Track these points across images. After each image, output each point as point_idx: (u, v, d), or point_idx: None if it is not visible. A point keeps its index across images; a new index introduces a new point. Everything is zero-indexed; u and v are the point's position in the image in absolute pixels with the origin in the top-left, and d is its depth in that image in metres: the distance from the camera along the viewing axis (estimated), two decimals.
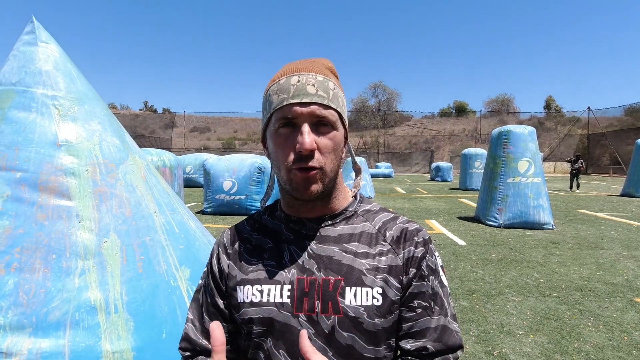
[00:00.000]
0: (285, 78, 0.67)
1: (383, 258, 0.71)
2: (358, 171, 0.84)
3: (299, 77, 0.66)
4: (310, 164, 0.65)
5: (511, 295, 3.95)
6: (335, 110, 0.68)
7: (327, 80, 0.68)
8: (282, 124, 0.67)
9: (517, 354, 2.76)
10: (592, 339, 2.98)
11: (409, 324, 0.70)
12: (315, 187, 0.67)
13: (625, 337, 3.01)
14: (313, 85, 0.66)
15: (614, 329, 3.17)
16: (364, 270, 0.69)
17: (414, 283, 0.70)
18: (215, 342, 0.57)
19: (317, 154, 0.66)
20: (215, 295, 0.77)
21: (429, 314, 0.70)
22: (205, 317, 0.77)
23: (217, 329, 0.58)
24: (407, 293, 0.70)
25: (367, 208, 0.79)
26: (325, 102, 0.66)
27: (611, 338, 3.00)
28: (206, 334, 0.76)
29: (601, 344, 2.91)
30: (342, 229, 0.74)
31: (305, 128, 0.64)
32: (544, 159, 36.96)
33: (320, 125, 0.67)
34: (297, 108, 0.65)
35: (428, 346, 0.68)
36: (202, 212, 9.59)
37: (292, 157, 0.66)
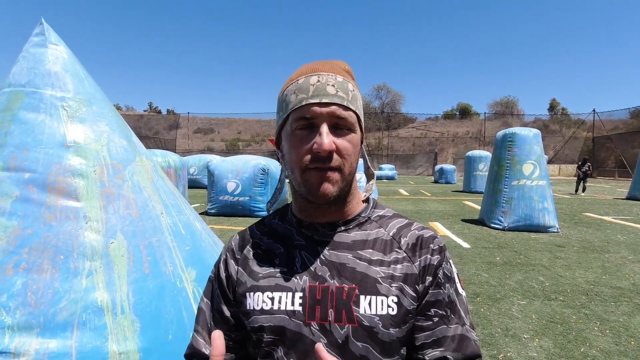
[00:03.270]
0: (304, 78, 0.65)
1: (398, 266, 0.68)
2: (371, 176, 0.82)
3: (319, 77, 0.65)
4: (329, 165, 0.63)
5: (516, 299, 3.92)
6: (354, 112, 0.67)
7: (347, 82, 0.67)
8: (300, 124, 0.65)
9: (523, 358, 2.73)
10: (598, 344, 2.95)
11: (426, 333, 0.67)
12: (331, 189, 0.64)
13: (632, 342, 2.98)
14: (333, 85, 0.64)
15: (620, 333, 3.13)
16: (379, 279, 0.67)
17: (430, 291, 0.68)
18: (215, 352, 0.55)
19: (335, 156, 0.64)
20: (222, 302, 0.75)
21: (445, 322, 0.68)
22: (213, 325, 0.75)
23: (218, 338, 0.56)
24: (423, 302, 0.68)
25: (380, 213, 0.77)
26: (345, 103, 0.64)
27: (618, 343, 2.97)
28: None
29: (608, 348, 2.88)
30: (355, 235, 0.72)
31: (324, 128, 0.63)
32: (549, 162, 36.75)
33: (339, 127, 0.65)
34: (317, 108, 0.63)
35: (447, 356, 0.66)
36: (206, 213, 9.61)
37: (308, 157, 0.64)
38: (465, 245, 6.44)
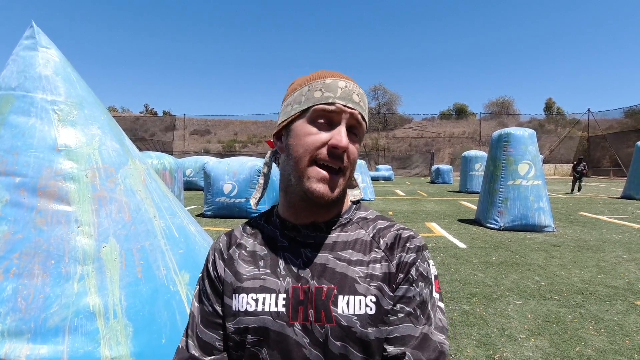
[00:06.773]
0: (332, 79, 0.69)
1: (377, 265, 0.69)
2: (355, 186, 0.84)
3: (346, 83, 0.69)
4: (340, 165, 0.67)
5: (512, 299, 3.93)
6: (366, 125, 0.72)
7: (365, 96, 0.73)
8: (320, 115, 0.68)
9: (519, 358, 2.74)
10: (593, 343, 2.97)
11: (390, 328, 0.66)
12: (330, 193, 0.67)
13: (627, 341, 3.00)
14: (357, 94, 0.70)
15: (615, 332, 3.15)
16: (357, 279, 0.68)
17: (400, 286, 0.68)
18: None
19: (345, 157, 0.68)
20: (214, 302, 0.75)
21: (412, 320, 0.66)
22: (203, 329, 0.74)
23: None
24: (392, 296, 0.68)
25: (363, 215, 0.78)
26: (363, 114, 0.70)
27: (613, 342, 2.99)
28: (204, 348, 0.73)
29: (603, 347, 2.90)
30: (337, 236, 0.74)
31: (344, 128, 0.67)
32: (544, 162, 36.95)
33: (351, 134, 0.69)
34: (342, 107, 0.67)
35: (407, 352, 0.64)
36: (202, 215, 9.58)
37: (322, 150, 0.67)
38: (462, 245, 6.46)
